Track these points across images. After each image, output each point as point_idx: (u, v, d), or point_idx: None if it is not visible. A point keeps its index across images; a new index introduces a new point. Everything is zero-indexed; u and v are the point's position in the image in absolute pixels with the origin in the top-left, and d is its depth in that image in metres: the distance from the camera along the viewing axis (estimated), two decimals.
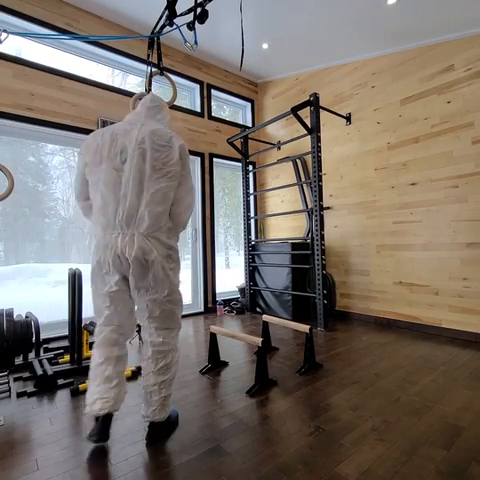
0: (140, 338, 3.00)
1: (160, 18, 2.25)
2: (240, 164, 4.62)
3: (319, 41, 3.64)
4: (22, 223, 3.22)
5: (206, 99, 4.49)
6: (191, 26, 2.14)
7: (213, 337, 2.35)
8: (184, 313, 4.07)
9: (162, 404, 1.47)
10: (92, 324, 2.36)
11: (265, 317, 2.68)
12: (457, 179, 2.94)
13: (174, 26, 2.20)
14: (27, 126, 3.08)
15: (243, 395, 1.90)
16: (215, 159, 4.55)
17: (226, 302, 4.44)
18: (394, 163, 3.40)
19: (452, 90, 2.98)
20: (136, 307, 1.54)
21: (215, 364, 2.35)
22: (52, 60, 3.31)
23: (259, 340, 1.99)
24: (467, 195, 2.88)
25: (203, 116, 4.46)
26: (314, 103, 3.34)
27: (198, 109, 4.45)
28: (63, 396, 1.95)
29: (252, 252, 4.36)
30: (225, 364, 2.40)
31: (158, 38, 2.37)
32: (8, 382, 2.06)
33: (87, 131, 3.39)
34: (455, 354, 2.51)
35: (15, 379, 2.17)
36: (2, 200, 2.42)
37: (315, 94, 3.35)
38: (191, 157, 4.09)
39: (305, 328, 2.30)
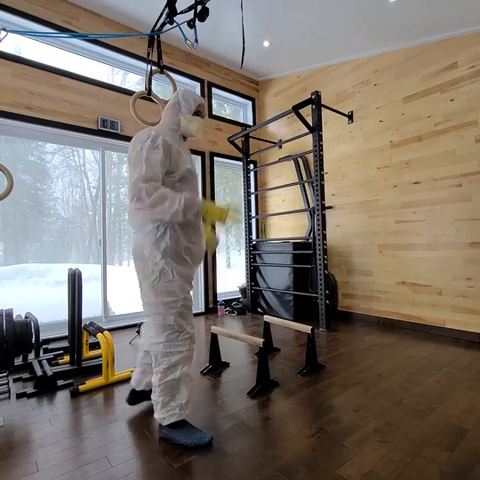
0: None
1: (160, 16, 2.23)
2: (241, 163, 4.60)
3: (321, 38, 3.61)
4: (22, 223, 3.21)
5: (207, 97, 4.47)
6: (191, 24, 2.12)
7: (214, 338, 2.34)
8: None
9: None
10: (92, 324, 2.35)
11: (266, 317, 2.66)
12: (460, 178, 2.91)
13: (174, 24, 2.18)
14: (26, 125, 3.07)
15: (244, 396, 1.88)
16: (216, 158, 4.53)
17: (227, 302, 4.42)
18: (397, 162, 3.37)
19: (455, 88, 2.95)
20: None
21: (216, 365, 2.33)
22: (51, 58, 3.30)
23: (260, 341, 1.97)
24: (470, 194, 2.85)
25: None
26: (316, 101, 3.31)
27: None
28: (63, 397, 1.94)
29: (253, 252, 4.34)
30: (226, 365, 2.39)
31: (158, 36, 2.35)
32: (8, 383, 2.06)
33: (87, 130, 3.38)
34: (459, 355, 2.49)
35: (15, 380, 2.16)
36: (1, 200, 2.41)
37: (317, 92, 3.32)
38: (192, 156, 4.08)
39: (307, 329, 2.28)
